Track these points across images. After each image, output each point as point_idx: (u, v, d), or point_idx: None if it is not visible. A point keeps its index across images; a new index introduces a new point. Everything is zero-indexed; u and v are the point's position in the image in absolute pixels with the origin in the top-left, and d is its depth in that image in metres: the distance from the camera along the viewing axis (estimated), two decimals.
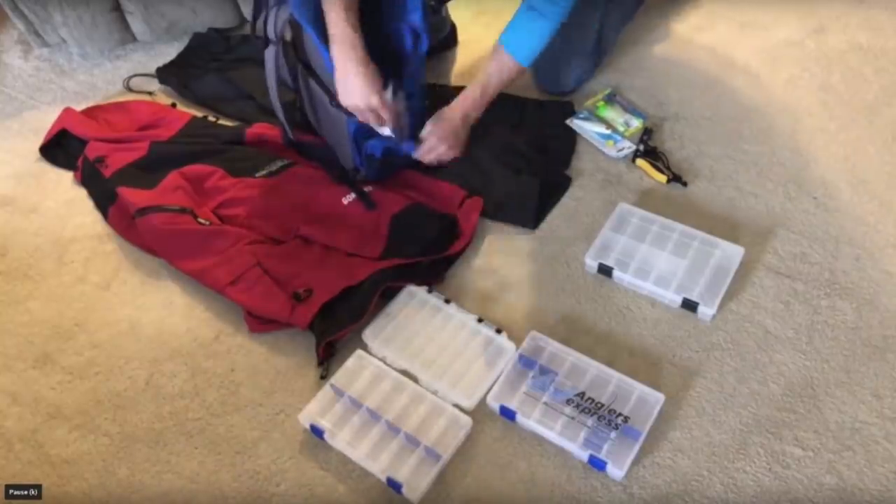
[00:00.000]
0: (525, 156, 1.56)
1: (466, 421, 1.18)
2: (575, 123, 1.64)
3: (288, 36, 1.46)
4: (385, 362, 1.27)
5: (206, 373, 1.31)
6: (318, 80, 1.45)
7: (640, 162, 1.55)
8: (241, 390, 1.28)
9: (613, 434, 1.15)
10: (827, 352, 1.25)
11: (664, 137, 1.61)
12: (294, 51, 1.48)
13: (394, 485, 1.13)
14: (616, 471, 1.12)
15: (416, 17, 1.36)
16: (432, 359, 1.27)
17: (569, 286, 1.38)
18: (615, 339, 1.30)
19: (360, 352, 1.28)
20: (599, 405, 1.18)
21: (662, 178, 1.51)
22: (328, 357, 1.30)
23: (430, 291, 1.35)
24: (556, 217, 1.49)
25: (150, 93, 1.87)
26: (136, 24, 1.92)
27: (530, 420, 1.17)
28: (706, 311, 1.29)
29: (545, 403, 1.20)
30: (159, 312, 1.41)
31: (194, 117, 1.75)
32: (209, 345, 1.35)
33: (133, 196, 1.51)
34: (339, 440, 1.18)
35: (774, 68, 1.75)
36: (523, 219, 1.48)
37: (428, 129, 1.48)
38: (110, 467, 1.21)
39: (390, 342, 1.30)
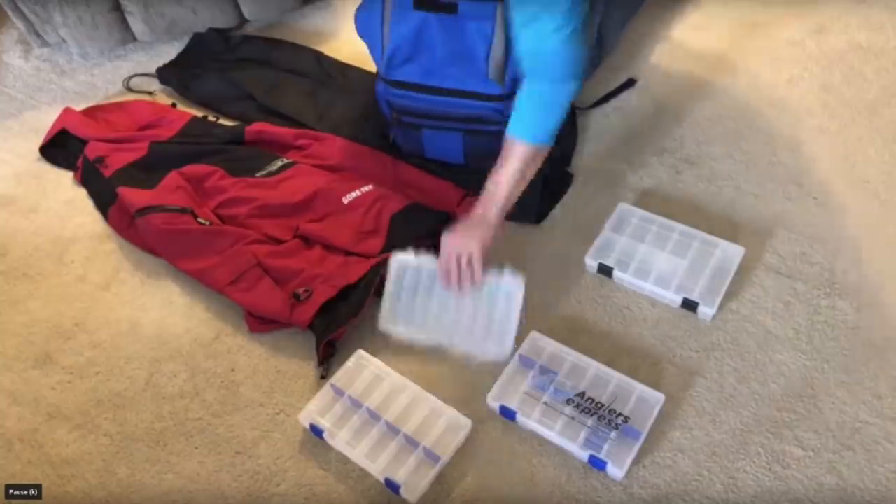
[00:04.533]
0: None
1: (466, 423, 1.18)
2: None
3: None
4: (413, 342, 1.25)
5: (206, 373, 1.31)
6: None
7: None
8: (241, 390, 1.28)
9: (613, 434, 1.15)
10: (827, 352, 1.25)
11: (664, 137, 1.61)
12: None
13: (392, 486, 1.13)
14: (616, 471, 1.12)
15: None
16: (455, 320, 1.24)
17: (569, 286, 1.38)
18: (615, 339, 1.30)
19: (360, 352, 1.28)
20: (599, 405, 1.18)
21: None
22: (328, 357, 1.29)
23: (415, 255, 1.27)
24: (556, 217, 1.49)
25: (150, 93, 1.87)
26: (136, 24, 1.92)
27: (530, 420, 1.17)
28: (706, 311, 1.29)
29: (545, 403, 1.20)
30: (159, 312, 1.41)
31: (194, 117, 1.75)
32: (209, 345, 1.35)
33: (133, 196, 1.51)
34: (339, 440, 1.18)
35: (775, 68, 1.75)
36: (525, 213, 1.47)
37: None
38: (110, 467, 1.21)
39: (410, 321, 1.26)
